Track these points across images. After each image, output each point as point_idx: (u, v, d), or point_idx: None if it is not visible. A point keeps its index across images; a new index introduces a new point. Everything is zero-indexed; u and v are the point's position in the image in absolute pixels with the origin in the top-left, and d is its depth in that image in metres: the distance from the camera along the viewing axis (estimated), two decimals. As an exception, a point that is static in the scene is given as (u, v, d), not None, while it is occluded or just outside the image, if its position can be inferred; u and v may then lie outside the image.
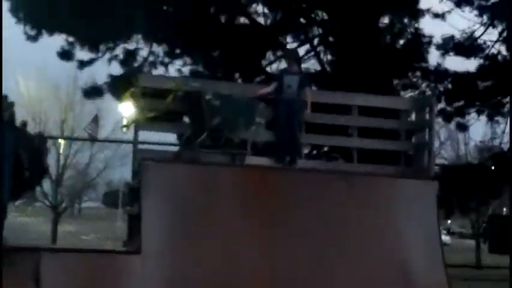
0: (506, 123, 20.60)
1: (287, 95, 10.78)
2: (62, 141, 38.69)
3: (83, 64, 19.17)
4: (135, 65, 18.76)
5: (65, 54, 18.84)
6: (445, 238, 36.18)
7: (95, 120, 12.25)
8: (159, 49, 19.04)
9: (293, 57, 11.83)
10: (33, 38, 18.43)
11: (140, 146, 10.58)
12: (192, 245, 9.04)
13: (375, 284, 9.35)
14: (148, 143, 10.84)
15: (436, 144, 17.95)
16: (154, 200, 9.23)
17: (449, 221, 48.76)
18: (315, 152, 15.63)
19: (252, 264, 9.07)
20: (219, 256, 9.01)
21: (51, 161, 36.00)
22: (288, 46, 19.18)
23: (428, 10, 20.01)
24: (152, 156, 10.24)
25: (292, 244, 9.43)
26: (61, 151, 40.09)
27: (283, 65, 14.58)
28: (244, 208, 9.51)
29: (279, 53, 18.74)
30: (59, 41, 18.89)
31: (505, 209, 39.71)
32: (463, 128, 22.35)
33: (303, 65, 19.02)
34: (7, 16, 17.19)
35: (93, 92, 20.15)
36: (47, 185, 37.72)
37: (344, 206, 9.83)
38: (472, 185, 20.28)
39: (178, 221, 9.20)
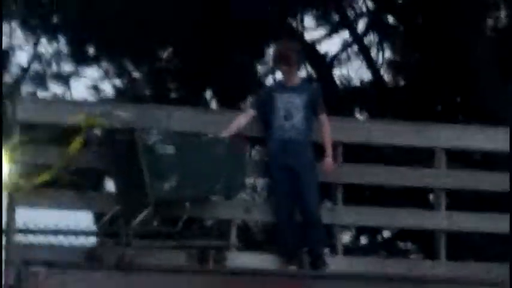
0: None
1: (282, 131, 10.65)
2: None
3: None
4: (11, 77, 18.48)
5: None
6: None
7: None
8: (50, 47, 18.80)
9: (293, 61, 11.35)
10: None
11: (20, 238, 10.37)
12: None
13: None
14: (36, 232, 10.38)
15: None
16: None
17: None
18: (364, 240, 15.40)
19: None
20: None
21: None
22: (306, 35, 19.19)
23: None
24: (44, 257, 9.96)
25: None
26: None
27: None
28: None
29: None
30: None
31: None
32: None
33: (337, 71, 19.59)
34: None
35: None
36: None
37: None
38: None
39: None
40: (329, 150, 10.48)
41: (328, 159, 10.46)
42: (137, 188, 10.10)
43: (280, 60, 11.36)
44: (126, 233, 10.00)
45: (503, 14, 18.83)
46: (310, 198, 10.52)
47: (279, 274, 10.37)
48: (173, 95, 17.69)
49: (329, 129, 10.59)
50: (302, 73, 16.65)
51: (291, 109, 10.66)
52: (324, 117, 10.70)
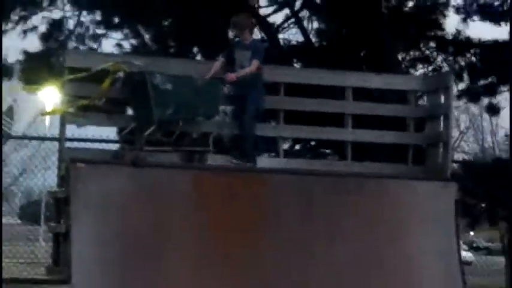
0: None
1: (231, 76, 10.72)
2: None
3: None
4: (59, 38, 18.42)
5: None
6: (467, 255, 36.29)
7: (9, 111, 12.21)
8: (90, 18, 18.76)
9: (241, 25, 11.38)
10: None
11: (68, 144, 10.63)
12: (136, 272, 8.96)
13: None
14: (79, 140, 10.60)
15: (455, 134, 17.89)
16: (87, 213, 9.09)
17: (472, 233, 48.93)
18: (298, 147, 15.52)
19: None
20: (169, 283, 8.97)
21: None
22: (261, 11, 19.13)
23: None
24: (84, 156, 10.13)
25: (266, 265, 9.41)
26: None
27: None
28: (202, 222, 9.43)
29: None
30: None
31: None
32: (491, 111, 22.19)
33: (281, 35, 19.35)
34: None
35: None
36: None
37: (338, 219, 9.84)
38: (502, 186, 20.25)
39: (118, 240, 9.06)
40: (239, 73, 10.60)
41: (232, 75, 10.56)
42: (146, 111, 10.20)
43: (234, 27, 11.56)
44: (140, 141, 10.21)
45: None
46: (250, 116, 10.64)
47: (241, 170, 10.50)
48: (172, 50, 17.66)
49: (252, 69, 10.65)
50: (256, 36, 17.07)
51: (242, 60, 10.73)
52: (254, 62, 10.69)
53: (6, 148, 11.51)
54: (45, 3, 18.23)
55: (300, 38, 19.06)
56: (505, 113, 22.59)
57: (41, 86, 10.29)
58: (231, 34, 11.28)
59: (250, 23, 11.43)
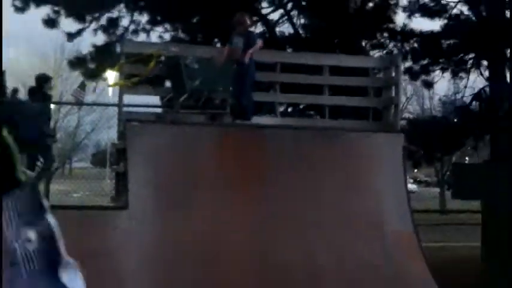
0: (468, 79, 20.60)
1: (236, 56, 10.50)
2: (51, 106, 38.55)
3: (70, 36, 18.83)
4: (119, 33, 18.40)
5: (50, 23, 18.49)
6: (412, 186, 36.36)
7: (82, 85, 12.20)
8: (140, 17, 18.76)
9: (238, 21, 11.15)
10: (21, 10, 18.04)
11: (125, 109, 10.51)
12: (177, 205, 8.95)
13: (349, 231, 9.31)
14: (133, 106, 10.68)
15: (403, 99, 17.97)
16: (139, 158, 9.18)
17: (415, 171, 49.02)
18: (290, 109, 15.49)
19: (232, 220, 8.97)
20: (203, 217, 8.88)
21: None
22: (263, 11, 19.17)
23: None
24: (136, 117, 10.24)
25: (272, 203, 9.31)
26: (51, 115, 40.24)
27: (253, 29, 14.49)
28: (226, 170, 9.42)
29: (254, 18, 18.65)
30: (46, 11, 18.51)
31: (467, 158, 39.99)
32: (428, 85, 22.26)
33: (278, 28, 19.37)
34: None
35: (77, 62, 19.89)
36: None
37: (318, 162, 9.78)
38: (436, 136, 20.51)
39: (162, 178, 9.14)
40: (250, 52, 10.28)
41: (247, 54, 10.23)
42: (180, 84, 10.12)
43: (236, 23, 11.41)
44: (176, 106, 10.19)
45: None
46: (245, 86, 10.39)
47: (248, 126, 10.41)
48: (198, 39, 17.57)
49: (259, 46, 10.51)
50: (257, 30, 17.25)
51: (238, 43, 10.45)
52: (258, 42, 10.58)
53: (81, 113, 11.61)
54: (108, 6, 18.21)
55: (291, 31, 19.02)
56: (437, 85, 22.83)
57: (138, 81, 10.35)
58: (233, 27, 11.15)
59: (243, 20, 11.32)
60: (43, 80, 11.49)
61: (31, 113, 10.33)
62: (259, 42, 10.66)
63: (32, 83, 11.57)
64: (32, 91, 11.27)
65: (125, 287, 8.16)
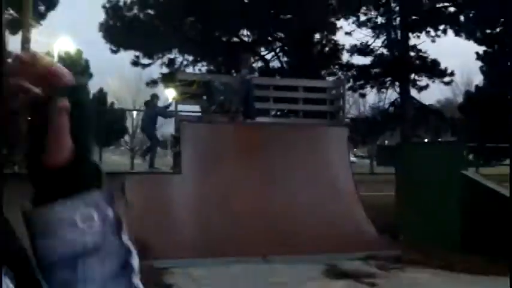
0: (387, 93, 20.97)
1: (244, 81, 10.43)
2: (134, 112, 38.93)
3: (145, 66, 18.89)
4: (175, 66, 18.48)
5: (135, 63, 18.59)
6: (353, 159, 36.08)
7: (155, 97, 12.17)
8: (188, 57, 18.77)
9: (245, 60, 11.40)
10: (115, 52, 18.08)
11: (179, 113, 10.35)
12: (211, 172, 8.87)
13: (316, 187, 9.16)
14: (184, 111, 10.62)
15: (347, 106, 18.05)
16: (188, 144, 9.12)
17: (355, 149, 48.90)
18: (279, 113, 15.43)
19: (246, 185, 8.84)
20: (226, 178, 8.78)
21: (129, 123, 36.53)
22: (262, 53, 19.15)
23: (341, 28, 19.68)
24: (186, 119, 10.14)
25: (269, 170, 9.21)
26: (134, 118, 40.69)
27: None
28: (240, 150, 9.29)
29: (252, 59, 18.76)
30: (130, 54, 18.55)
31: (386, 141, 39.90)
32: (362, 96, 22.35)
33: (271, 64, 19.54)
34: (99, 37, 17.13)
35: (150, 83, 20.10)
36: (127, 137, 37.98)
37: (297, 145, 9.65)
38: (368, 128, 20.63)
39: (202, 157, 9.03)
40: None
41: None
42: (212, 99, 10.16)
43: (243, 60, 11.34)
44: (210, 112, 10.17)
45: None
46: (250, 98, 10.29)
47: (253, 123, 10.38)
48: (222, 70, 17.48)
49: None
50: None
51: (245, 74, 10.52)
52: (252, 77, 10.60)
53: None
54: (168, 50, 18.30)
55: (279, 65, 19.05)
56: (368, 97, 22.88)
57: (187, 96, 10.34)
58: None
59: (248, 59, 11.31)
60: (154, 96, 11.68)
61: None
62: (252, 77, 10.66)
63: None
64: (146, 103, 11.51)
65: (178, 223, 8.04)
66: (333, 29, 19.23)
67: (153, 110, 10.83)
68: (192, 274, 6.55)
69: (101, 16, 17.60)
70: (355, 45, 19.90)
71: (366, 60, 20.23)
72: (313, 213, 8.60)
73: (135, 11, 17.52)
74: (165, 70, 18.84)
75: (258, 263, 7.22)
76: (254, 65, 18.54)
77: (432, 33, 19.30)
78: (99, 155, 10.28)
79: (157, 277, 6.17)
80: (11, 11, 13.38)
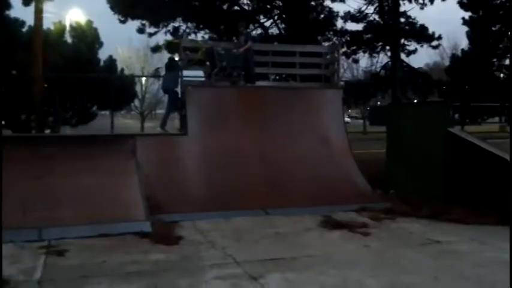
0: (378, 57, 20.58)
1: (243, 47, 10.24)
2: (143, 78, 38.54)
3: (151, 35, 18.49)
4: (180, 34, 18.10)
5: (141, 30, 18.18)
6: (347, 119, 35.96)
7: (158, 68, 11.90)
8: (191, 25, 18.33)
9: (243, 29, 11.08)
10: (123, 22, 17.68)
11: (185, 79, 10.09)
12: (214, 132, 8.79)
13: (313, 145, 9.08)
14: (189, 77, 10.37)
15: (341, 70, 17.79)
16: (193, 107, 9.00)
17: (349, 110, 48.70)
18: (277, 77, 15.18)
19: (246, 138, 8.81)
20: (228, 138, 8.72)
21: (138, 88, 36.27)
22: (261, 20, 18.74)
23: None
24: (191, 83, 9.89)
25: (269, 130, 9.10)
26: (143, 83, 40.34)
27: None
28: (241, 111, 9.17)
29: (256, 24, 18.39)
30: (137, 24, 18.13)
31: (378, 102, 39.80)
32: (355, 61, 21.94)
33: (270, 30, 18.81)
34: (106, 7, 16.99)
35: (156, 49, 19.88)
36: (137, 101, 37.92)
37: (294, 106, 9.51)
38: (360, 90, 20.44)
39: (206, 119, 8.94)
40: (242, 49, 10.08)
41: (240, 49, 10.07)
42: (214, 63, 9.89)
43: (240, 27, 11.03)
44: (212, 76, 9.90)
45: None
46: (250, 64, 10.19)
47: (254, 87, 10.17)
48: (224, 38, 17.13)
49: (246, 47, 10.15)
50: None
51: (241, 40, 10.37)
52: (248, 43, 10.25)
53: (159, 81, 11.29)
54: (172, 18, 17.84)
55: (277, 31, 18.64)
56: (361, 62, 22.56)
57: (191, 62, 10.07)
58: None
59: (243, 25, 11.00)
60: (171, 59, 11.15)
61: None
62: (249, 43, 10.32)
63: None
64: (170, 65, 10.72)
65: (187, 178, 8.01)
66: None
67: (175, 71, 10.39)
68: (200, 227, 6.58)
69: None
70: (349, 12, 19.41)
71: (359, 27, 19.79)
72: (310, 168, 8.54)
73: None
74: (169, 38, 18.49)
75: (259, 215, 7.23)
76: (254, 32, 18.14)
77: (420, 0, 18.85)
78: (111, 118, 10.08)
79: (168, 230, 6.21)
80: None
